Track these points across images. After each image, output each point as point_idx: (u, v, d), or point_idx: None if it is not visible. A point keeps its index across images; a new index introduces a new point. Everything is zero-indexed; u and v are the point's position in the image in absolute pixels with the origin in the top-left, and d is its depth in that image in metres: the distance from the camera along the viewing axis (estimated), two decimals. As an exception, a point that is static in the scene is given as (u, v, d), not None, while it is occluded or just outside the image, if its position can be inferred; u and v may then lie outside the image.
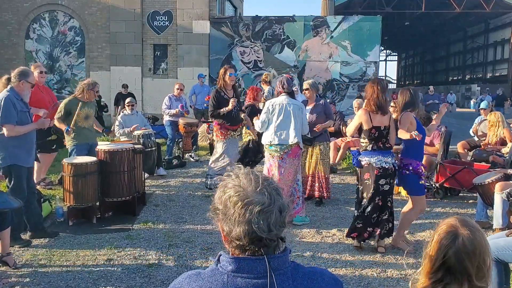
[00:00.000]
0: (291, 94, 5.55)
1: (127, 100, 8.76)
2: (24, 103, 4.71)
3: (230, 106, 6.27)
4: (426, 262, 1.60)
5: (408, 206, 4.83)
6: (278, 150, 5.35)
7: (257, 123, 5.59)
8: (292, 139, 5.30)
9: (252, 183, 1.28)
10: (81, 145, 6.02)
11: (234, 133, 6.55)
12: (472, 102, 30.06)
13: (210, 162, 6.69)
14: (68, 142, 6.08)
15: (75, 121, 5.95)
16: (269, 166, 5.48)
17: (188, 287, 1.29)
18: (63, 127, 5.94)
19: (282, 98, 5.47)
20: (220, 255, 1.31)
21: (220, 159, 6.48)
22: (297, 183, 5.53)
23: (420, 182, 4.67)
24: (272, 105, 5.44)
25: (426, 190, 6.74)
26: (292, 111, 5.34)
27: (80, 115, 5.96)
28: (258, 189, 1.26)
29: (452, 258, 1.54)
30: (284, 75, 5.95)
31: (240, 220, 1.24)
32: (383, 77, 66.12)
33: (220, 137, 6.46)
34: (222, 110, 6.29)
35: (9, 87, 4.70)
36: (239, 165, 1.39)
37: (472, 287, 1.55)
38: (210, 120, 10.56)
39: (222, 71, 6.46)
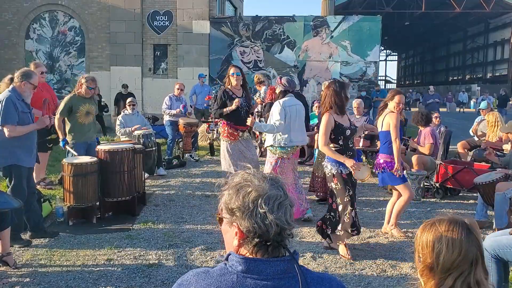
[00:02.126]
0: (296, 95, 5.60)
1: (128, 100, 8.76)
2: (26, 104, 4.70)
3: (233, 106, 5.94)
4: (435, 269, 1.55)
5: (394, 199, 5.15)
6: (288, 151, 5.39)
7: (271, 126, 5.37)
8: (304, 140, 5.48)
9: (265, 179, 1.30)
10: (79, 144, 6.00)
11: (243, 133, 6.16)
12: (472, 102, 30.01)
13: (223, 167, 6.16)
14: (68, 140, 6.07)
15: (77, 118, 5.93)
16: (275, 167, 5.43)
17: (196, 285, 1.28)
18: (60, 135, 5.94)
19: (292, 100, 5.41)
20: (229, 254, 1.30)
21: (233, 162, 5.97)
22: (298, 181, 5.64)
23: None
24: (284, 107, 5.31)
25: (425, 189, 6.82)
26: (301, 113, 5.45)
27: (82, 111, 5.95)
28: (272, 185, 1.29)
29: (473, 247, 1.53)
30: (284, 77, 5.86)
31: (264, 214, 1.24)
32: (383, 77, 66.14)
33: (231, 138, 5.97)
34: (225, 109, 6.00)
35: (11, 87, 4.69)
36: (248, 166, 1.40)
37: (483, 269, 1.55)
38: (210, 120, 10.63)
39: (229, 70, 6.24)
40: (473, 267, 1.52)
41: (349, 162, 4.32)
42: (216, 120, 10.37)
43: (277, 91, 5.58)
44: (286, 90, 5.49)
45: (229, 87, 6.18)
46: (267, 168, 5.54)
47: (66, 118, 5.99)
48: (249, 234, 1.27)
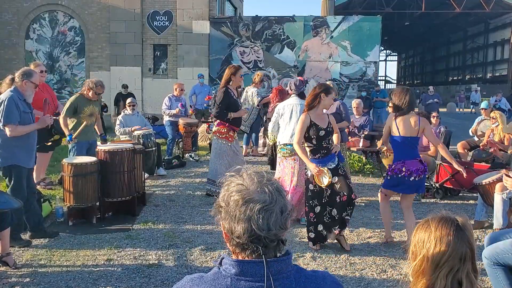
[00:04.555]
0: (300, 95, 5.62)
1: (128, 100, 8.77)
2: (27, 104, 4.72)
3: (242, 114, 6.26)
4: (425, 265, 1.58)
5: (387, 205, 4.88)
6: (290, 151, 5.37)
7: (269, 125, 5.75)
8: None
9: (254, 182, 1.29)
10: (81, 143, 6.09)
11: (236, 134, 6.49)
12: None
13: (215, 165, 6.28)
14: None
15: (80, 119, 6.00)
16: (283, 168, 5.49)
17: None
18: (66, 131, 6.01)
19: (292, 100, 5.55)
20: (223, 258, 1.31)
21: (230, 163, 6.06)
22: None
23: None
24: (283, 107, 5.54)
25: (425, 190, 6.82)
26: (299, 111, 5.38)
27: (85, 112, 6.05)
28: (259, 188, 1.27)
29: (461, 243, 1.55)
30: (298, 77, 5.99)
31: (240, 218, 1.25)
32: (383, 77, 66.14)
33: (230, 139, 6.26)
34: (230, 114, 6.14)
35: (13, 87, 4.69)
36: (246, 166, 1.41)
37: (473, 268, 1.58)
38: (210, 120, 10.63)
39: (232, 70, 6.23)
40: (462, 263, 1.55)
41: (311, 166, 4.47)
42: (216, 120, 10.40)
43: None
44: (290, 93, 5.70)
45: (229, 87, 6.19)
46: (277, 170, 5.63)
47: (71, 118, 6.11)
48: (228, 234, 1.29)
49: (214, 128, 6.37)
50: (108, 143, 6.53)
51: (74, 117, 6.06)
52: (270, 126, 5.76)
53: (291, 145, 5.37)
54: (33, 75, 4.72)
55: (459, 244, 1.55)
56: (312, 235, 4.65)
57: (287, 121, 5.44)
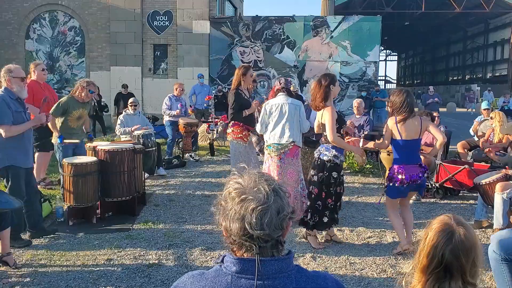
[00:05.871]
0: (288, 93, 5.48)
1: (130, 100, 8.76)
2: (20, 103, 4.65)
3: (254, 107, 6.10)
4: (421, 259, 1.62)
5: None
6: (275, 150, 5.30)
7: (257, 125, 5.58)
8: (287, 138, 5.22)
9: (252, 181, 1.30)
10: (66, 144, 6.01)
11: (250, 133, 6.28)
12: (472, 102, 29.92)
13: (233, 166, 6.06)
14: (54, 139, 6.08)
15: (67, 121, 5.97)
16: (268, 166, 5.44)
17: (191, 287, 1.30)
18: (56, 132, 5.96)
19: (279, 98, 5.41)
20: (224, 256, 1.32)
21: (246, 163, 5.99)
22: (302, 183, 5.45)
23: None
24: (270, 106, 5.40)
25: (425, 189, 6.80)
26: (288, 110, 5.27)
27: (74, 115, 5.99)
28: (256, 188, 1.28)
29: (449, 256, 1.56)
30: (283, 78, 5.92)
31: (235, 216, 1.26)
32: (383, 77, 66.12)
33: (245, 139, 6.07)
34: (245, 111, 6.00)
35: (2, 88, 4.67)
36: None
37: (464, 283, 1.58)
38: (210, 120, 10.63)
39: (242, 70, 6.07)
40: (447, 276, 1.56)
41: (355, 148, 4.67)
42: (216, 120, 10.41)
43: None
44: (279, 89, 5.52)
45: (240, 87, 6.08)
46: (263, 168, 5.56)
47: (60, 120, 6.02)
48: (225, 230, 1.31)
49: (229, 130, 6.21)
50: (109, 142, 6.52)
51: (62, 118, 5.98)
52: (258, 126, 5.54)
53: (278, 143, 5.26)
54: (12, 70, 4.65)
55: (449, 256, 1.55)
56: (325, 219, 4.69)
57: (276, 121, 5.30)
